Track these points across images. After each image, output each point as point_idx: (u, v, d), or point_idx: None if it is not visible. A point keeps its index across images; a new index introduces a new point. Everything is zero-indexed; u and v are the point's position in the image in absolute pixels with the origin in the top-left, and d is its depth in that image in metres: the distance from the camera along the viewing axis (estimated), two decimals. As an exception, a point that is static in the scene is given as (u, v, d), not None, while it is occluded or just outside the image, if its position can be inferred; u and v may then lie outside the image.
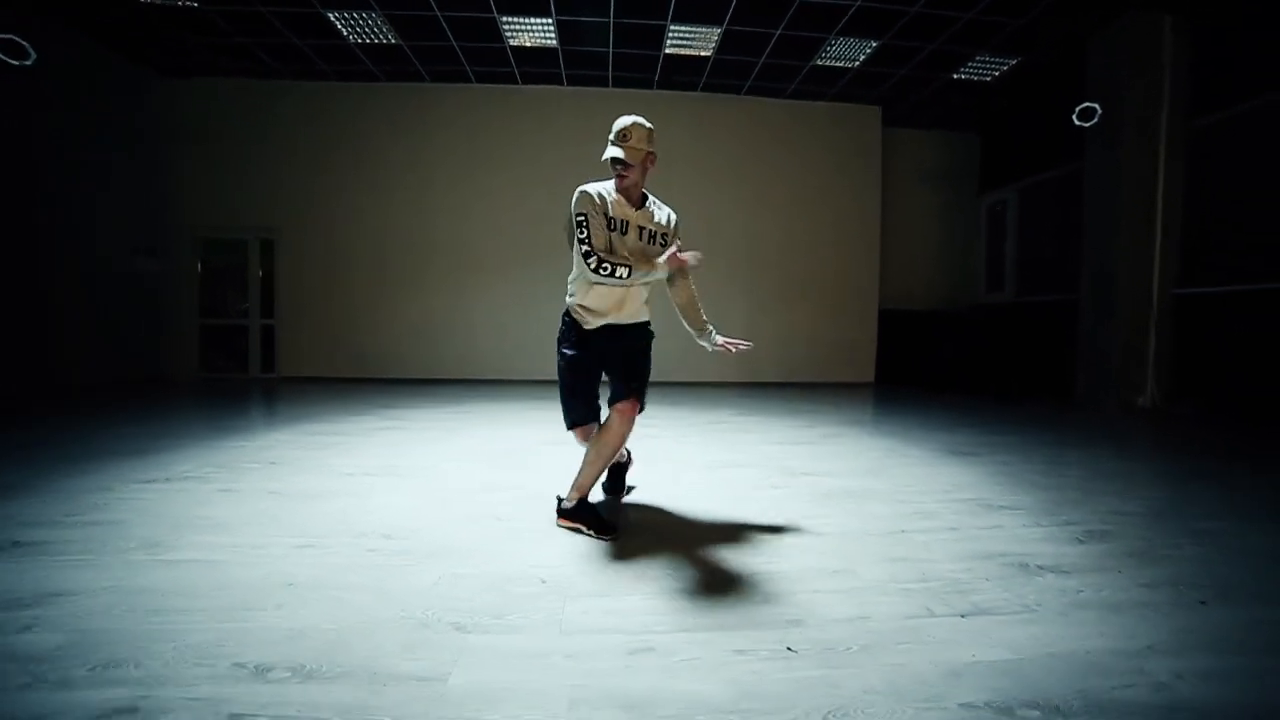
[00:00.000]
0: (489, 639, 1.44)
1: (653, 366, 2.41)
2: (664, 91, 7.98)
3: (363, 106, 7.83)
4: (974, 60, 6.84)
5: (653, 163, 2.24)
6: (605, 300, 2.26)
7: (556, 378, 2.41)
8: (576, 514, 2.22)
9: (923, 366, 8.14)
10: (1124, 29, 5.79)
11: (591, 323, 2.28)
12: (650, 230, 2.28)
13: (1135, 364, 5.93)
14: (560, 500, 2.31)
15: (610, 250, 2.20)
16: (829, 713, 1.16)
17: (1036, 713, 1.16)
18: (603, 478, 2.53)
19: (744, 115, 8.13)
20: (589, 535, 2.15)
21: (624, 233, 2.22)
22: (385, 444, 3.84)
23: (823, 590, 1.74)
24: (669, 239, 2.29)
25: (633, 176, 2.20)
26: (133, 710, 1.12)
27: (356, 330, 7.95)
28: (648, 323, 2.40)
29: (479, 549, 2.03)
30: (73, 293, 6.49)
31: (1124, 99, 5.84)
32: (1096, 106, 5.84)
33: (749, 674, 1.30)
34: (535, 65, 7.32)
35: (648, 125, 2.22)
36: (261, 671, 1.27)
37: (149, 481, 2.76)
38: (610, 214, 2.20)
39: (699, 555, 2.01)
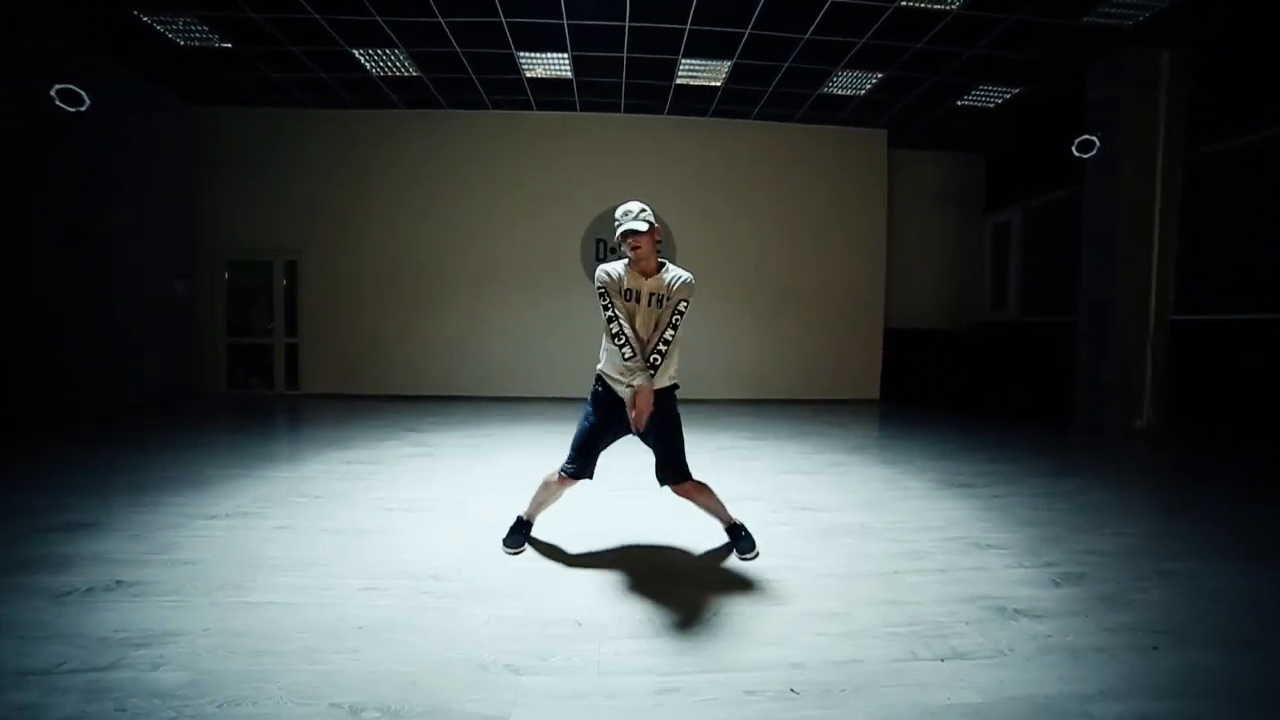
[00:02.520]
0: (538, 680, 1.70)
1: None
2: (674, 117, 8.24)
3: (383, 133, 8.14)
4: (977, 89, 7.05)
5: (659, 235, 2.45)
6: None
7: (579, 422, 2.62)
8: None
9: (927, 385, 8.35)
10: (1123, 62, 5.98)
11: (617, 388, 2.52)
12: (658, 295, 2.46)
13: (1132, 388, 6.13)
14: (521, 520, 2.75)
15: (631, 318, 2.45)
16: (824, 752, 1.41)
17: (994, 754, 1.41)
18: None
19: (752, 139, 8.37)
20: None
21: (638, 301, 2.46)
22: (415, 473, 4.12)
23: (822, 634, 1.99)
24: (665, 299, 2.44)
25: (644, 246, 2.38)
26: (261, 745, 1.39)
27: (377, 348, 8.26)
28: (671, 387, 2.56)
29: (517, 591, 2.30)
30: (117, 314, 6.82)
31: (1123, 129, 6.04)
32: (1095, 139, 6.04)
33: (758, 713, 1.56)
34: (550, 94, 7.59)
35: (649, 217, 2.43)
36: (356, 711, 1.54)
37: (211, 518, 3.05)
38: (625, 285, 2.45)
39: (713, 597, 2.26)
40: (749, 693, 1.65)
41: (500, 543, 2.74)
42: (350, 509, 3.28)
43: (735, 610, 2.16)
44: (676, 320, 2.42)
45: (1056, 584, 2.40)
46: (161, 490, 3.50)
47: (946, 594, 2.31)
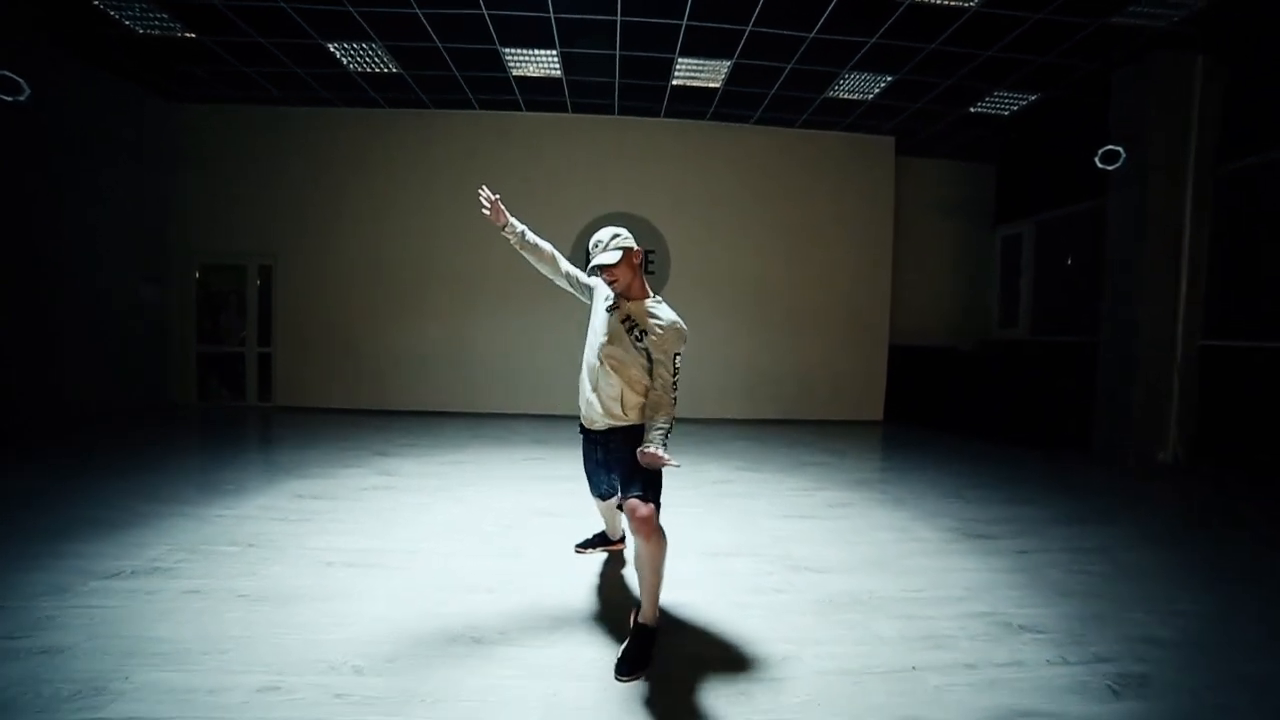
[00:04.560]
0: None
1: None
2: (671, 120, 7.83)
3: (364, 132, 7.72)
4: (992, 95, 6.64)
5: (637, 258, 2.20)
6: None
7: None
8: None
9: (932, 405, 7.91)
10: (1152, 68, 5.57)
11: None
12: (639, 326, 2.15)
13: (1157, 417, 5.70)
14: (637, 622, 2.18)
15: (601, 329, 2.25)
16: None
17: None
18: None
19: (754, 144, 7.95)
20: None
21: (611, 311, 2.23)
22: (371, 512, 3.68)
23: (827, 777, 1.56)
24: (644, 334, 2.14)
25: (620, 277, 2.16)
26: None
27: (354, 360, 7.82)
28: (631, 427, 2.25)
29: (453, 693, 1.86)
30: (76, 319, 6.40)
31: (1150, 140, 5.62)
32: (1120, 150, 5.62)
33: None
34: (540, 94, 7.19)
35: (624, 244, 2.17)
36: None
37: (113, 576, 2.61)
38: (607, 295, 2.28)
39: (696, 700, 1.82)
40: None
41: (427, 618, 2.30)
42: (283, 562, 2.85)
43: (718, 733, 1.72)
44: (677, 380, 2.17)
45: (1115, 693, 1.96)
46: (68, 535, 3.06)
47: (979, 706, 1.87)
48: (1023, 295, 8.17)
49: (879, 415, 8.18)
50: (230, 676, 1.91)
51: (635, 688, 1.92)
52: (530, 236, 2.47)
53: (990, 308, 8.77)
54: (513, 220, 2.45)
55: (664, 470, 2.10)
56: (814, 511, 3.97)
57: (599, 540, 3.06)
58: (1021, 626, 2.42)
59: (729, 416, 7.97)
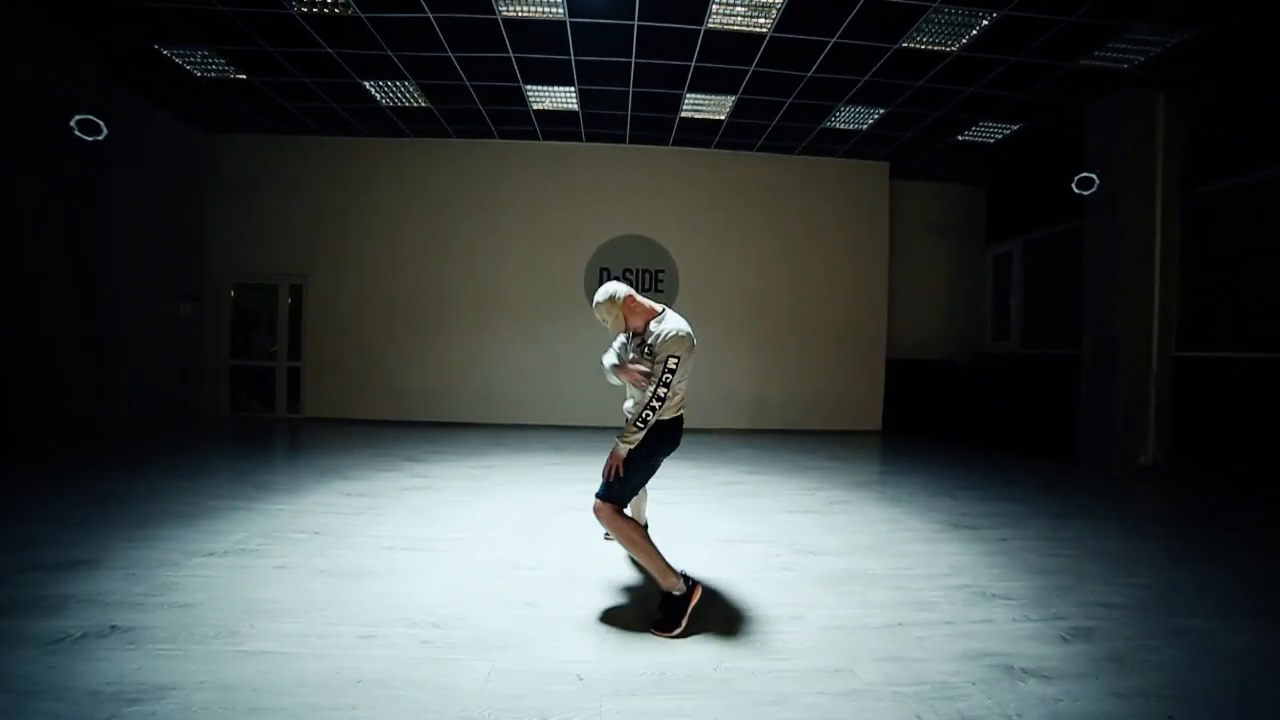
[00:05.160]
0: (537, 745, 1.66)
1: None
2: (678, 148, 8.36)
3: (390, 160, 8.25)
4: (977, 125, 7.16)
5: (617, 304, 2.60)
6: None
7: (630, 458, 2.54)
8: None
9: (928, 416, 8.32)
10: (1120, 103, 6.07)
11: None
12: (648, 345, 2.58)
13: (1137, 425, 6.10)
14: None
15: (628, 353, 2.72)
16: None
17: (1006, 838, 1.37)
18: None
19: (756, 171, 8.47)
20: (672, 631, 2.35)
21: (632, 342, 2.70)
22: (414, 508, 4.08)
23: (825, 693, 1.95)
24: (651, 348, 2.54)
25: (611, 319, 2.63)
26: (253, 819, 1.36)
27: (379, 373, 8.26)
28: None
29: (519, 641, 2.26)
30: (121, 334, 6.85)
31: (1121, 167, 6.10)
32: (1095, 176, 6.10)
33: (762, 787, 1.52)
34: (556, 125, 7.72)
35: (603, 299, 2.62)
36: (350, 778, 1.50)
37: (209, 555, 3.03)
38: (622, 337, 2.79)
39: (715, 649, 2.22)
40: (753, 761, 1.61)
41: (483, 588, 2.70)
42: (349, 547, 3.25)
43: (738, 665, 2.12)
44: (668, 378, 2.44)
45: (1065, 640, 2.36)
46: (159, 523, 3.47)
47: (953, 650, 2.26)
48: (1014, 310, 8.62)
49: (878, 425, 8.58)
50: (333, 627, 2.32)
51: (665, 639, 2.32)
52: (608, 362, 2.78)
53: (983, 322, 9.22)
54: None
55: (628, 473, 2.48)
56: (817, 508, 4.37)
57: None
58: (995, 595, 2.82)
59: (735, 427, 8.37)
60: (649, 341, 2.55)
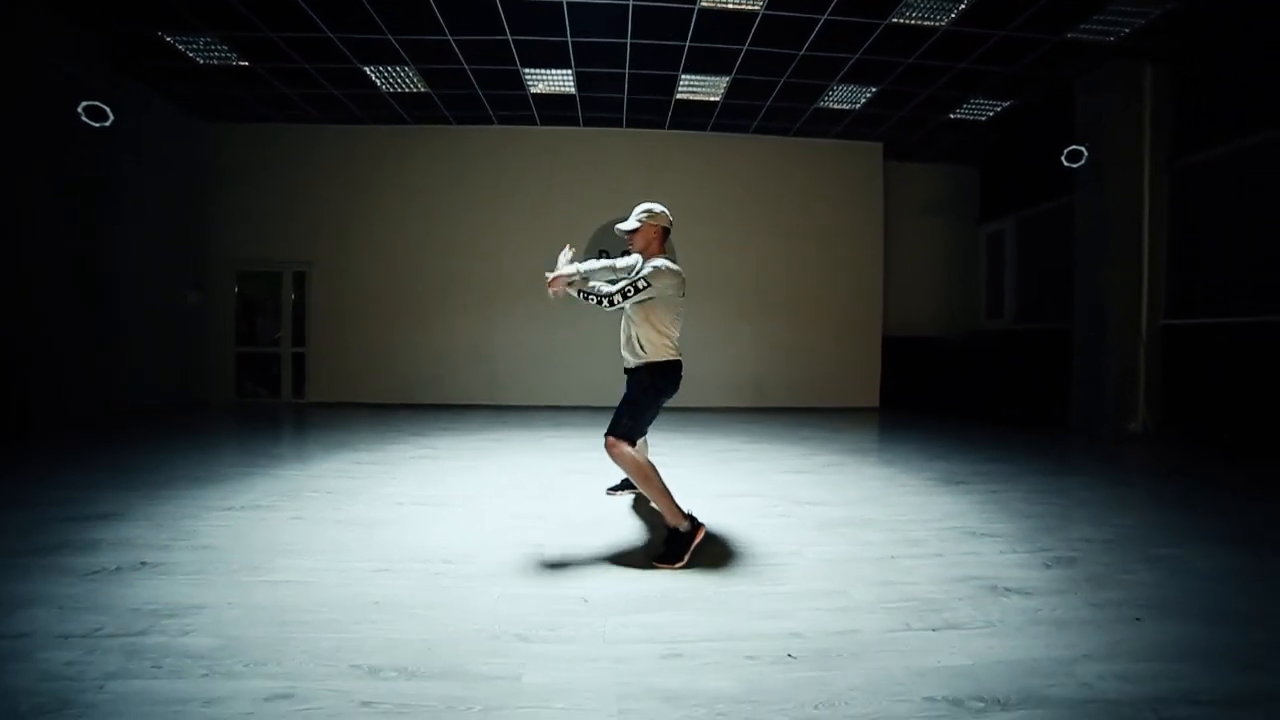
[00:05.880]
0: (548, 648, 1.78)
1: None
2: (675, 131, 8.45)
3: (391, 147, 8.35)
4: (969, 103, 7.25)
5: (656, 228, 2.77)
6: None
7: (640, 397, 2.72)
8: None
9: (925, 392, 8.44)
10: (1107, 76, 6.17)
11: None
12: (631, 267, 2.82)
13: (1127, 392, 6.22)
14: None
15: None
16: (820, 704, 1.50)
17: (981, 704, 1.49)
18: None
19: (751, 152, 8.57)
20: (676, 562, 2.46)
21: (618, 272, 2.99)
22: (423, 473, 4.21)
23: (820, 609, 2.08)
24: (639, 273, 2.68)
25: (636, 243, 2.81)
26: (289, 696, 1.48)
27: (382, 358, 8.38)
28: (638, 367, 2.78)
29: (526, 573, 2.38)
30: (127, 323, 6.96)
31: (1109, 139, 6.21)
32: (1083, 149, 6.20)
33: (758, 674, 1.64)
34: (554, 109, 7.81)
35: (650, 206, 2.81)
36: (374, 671, 1.62)
37: (228, 509, 3.15)
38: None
39: (715, 578, 2.35)
40: (749, 657, 1.73)
41: (493, 536, 2.82)
42: (362, 503, 3.37)
43: (737, 589, 2.24)
44: (630, 291, 2.56)
45: (1047, 566, 2.48)
46: (178, 485, 3.60)
47: (941, 575, 2.39)
48: (1007, 287, 8.73)
49: (875, 402, 8.71)
50: (348, 564, 2.44)
51: (669, 572, 2.44)
52: (585, 268, 2.82)
53: (977, 299, 9.33)
54: (573, 271, 2.72)
55: (637, 410, 2.64)
56: (814, 469, 4.49)
57: (626, 484, 3.56)
58: (984, 534, 2.94)
59: (733, 405, 8.49)
60: (638, 268, 2.67)
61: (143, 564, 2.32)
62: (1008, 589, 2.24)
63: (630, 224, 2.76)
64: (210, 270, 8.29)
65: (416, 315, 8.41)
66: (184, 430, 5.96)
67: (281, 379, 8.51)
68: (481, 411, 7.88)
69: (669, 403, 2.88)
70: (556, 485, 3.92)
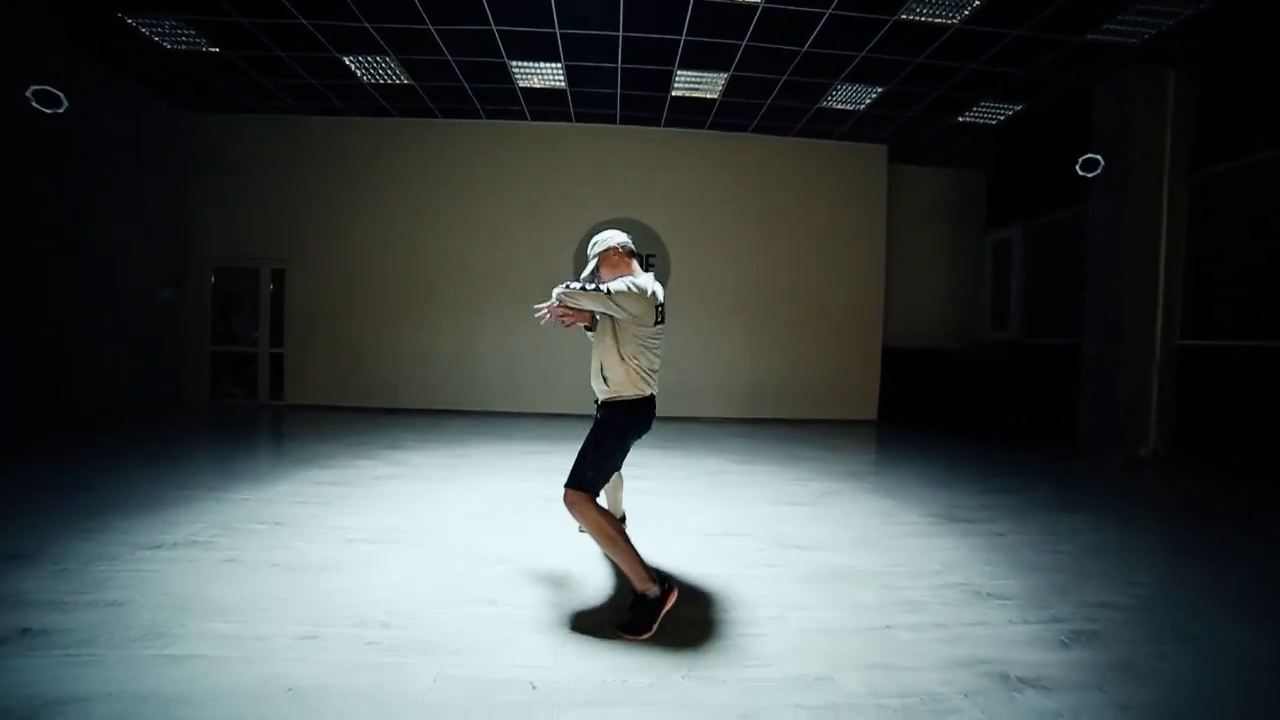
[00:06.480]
0: (475, 766, 1.49)
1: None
2: (671, 129, 8.10)
3: (375, 140, 8.00)
4: (978, 105, 6.91)
5: (615, 255, 2.53)
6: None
7: (602, 439, 2.43)
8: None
9: (925, 406, 8.14)
10: (1128, 81, 5.84)
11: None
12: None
13: (1139, 414, 5.92)
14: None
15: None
16: None
17: None
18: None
19: (751, 153, 8.22)
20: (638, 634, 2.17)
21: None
22: (386, 497, 3.91)
23: (804, 706, 1.78)
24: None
25: (603, 272, 2.53)
26: None
27: (363, 360, 8.07)
28: (603, 403, 2.49)
29: (471, 643, 2.08)
30: (96, 319, 6.64)
31: (1127, 148, 5.88)
32: (1099, 158, 5.87)
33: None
34: (544, 104, 7.46)
35: (599, 238, 2.57)
36: (255, 807, 1.32)
37: (155, 548, 2.84)
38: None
39: (684, 656, 2.05)
40: (716, 786, 1.44)
41: (445, 584, 2.52)
42: (308, 539, 3.07)
43: (708, 674, 1.94)
44: (584, 285, 2.30)
45: (1065, 644, 2.18)
46: (110, 513, 3.29)
47: (944, 656, 2.09)
48: (1013, 298, 8.40)
49: (873, 415, 8.40)
50: (272, 627, 2.14)
51: (634, 643, 2.14)
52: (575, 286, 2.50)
53: (981, 310, 9.01)
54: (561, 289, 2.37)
55: (600, 456, 2.37)
56: (807, 500, 4.19)
57: None
58: (990, 594, 2.64)
59: (728, 415, 8.19)
60: (610, 284, 2.35)
61: (24, 631, 2.02)
62: (1020, 679, 1.94)
63: (589, 266, 2.53)
64: (185, 266, 7.95)
65: (400, 316, 8.08)
66: (144, 438, 5.64)
67: (259, 380, 8.20)
68: (464, 418, 7.57)
69: (659, 414, 2.59)
70: (527, 515, 3.62)
